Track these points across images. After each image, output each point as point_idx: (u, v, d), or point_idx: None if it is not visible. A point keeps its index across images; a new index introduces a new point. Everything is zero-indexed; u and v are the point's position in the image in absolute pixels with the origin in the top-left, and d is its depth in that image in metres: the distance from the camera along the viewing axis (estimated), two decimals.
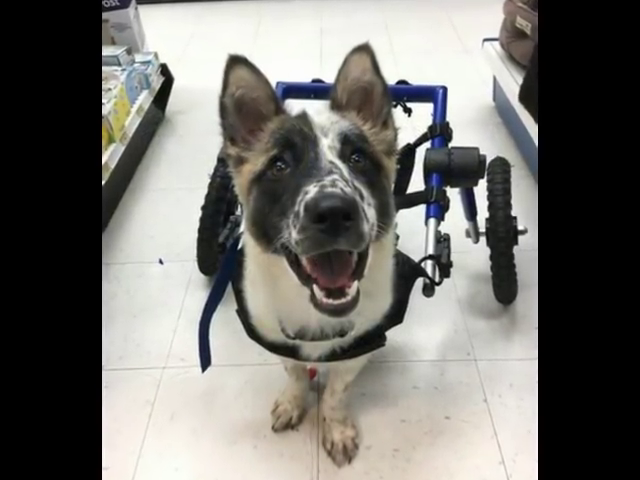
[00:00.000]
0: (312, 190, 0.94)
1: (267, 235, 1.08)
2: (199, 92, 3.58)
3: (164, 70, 3.58)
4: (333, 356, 1.36)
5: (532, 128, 2.68)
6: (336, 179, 0.96)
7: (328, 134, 1.09)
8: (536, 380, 1.91)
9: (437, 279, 1.62)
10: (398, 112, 1.93)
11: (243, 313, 1.41)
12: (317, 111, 1.19)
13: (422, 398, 1.94)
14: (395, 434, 1.83)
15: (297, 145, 1.08)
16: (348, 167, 1.05)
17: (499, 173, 2.06)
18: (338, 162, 1.03)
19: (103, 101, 2.72)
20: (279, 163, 1.09)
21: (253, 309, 1.37)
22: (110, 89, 2.86)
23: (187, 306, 2.33)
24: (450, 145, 1.93)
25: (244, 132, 1.19)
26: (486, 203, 2.06)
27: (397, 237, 1.55)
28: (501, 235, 1.99)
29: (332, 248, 0.95)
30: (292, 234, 0.96)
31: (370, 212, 1.01)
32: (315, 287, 1.03)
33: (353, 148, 1.10)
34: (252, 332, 1.43)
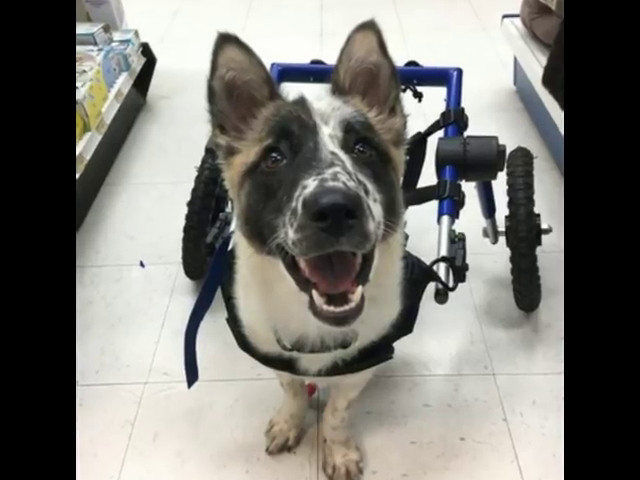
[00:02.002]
0: (311, 184, 0.94)
1: (261, 235, 1.08)
2: (184, 75, 3.60)
3: (145, 50, 3.58)
4: (335, 370, 1.36)
5: (557, 115, 2.68)
6: (338, 172, 0.96)
7: (329, 122, 1.09)
8: (562, 397, 1.94)
9: (451, 284, 1.62)
10: (407, 97, 1.93)
11: (234, 322, 1.41)
12: (317, 96, 1.19)
13: (434, 417, 1.94)
14: (404, 457, 1.83)
15: (294, 134, 1.08)
16: (351, 158, 1.05)
17: (520, 165, 2.07)
18: (340, 153, 1.03)
19: (77, 85, 2.72)
20: (274, 154, 1.09)
21: (245, 317, 1.37)
22: (85, 71, 2.86)
23: (171, 314, 2.33)
24: (465, 134, 1.93)
25: (235, 119, 1.19)
26: (506, 199, 2.07)
27: (406, 237, 1.55)
28: (522, 235, 1.99)
29: (333, 249, 0.95)
30: (289, 233, 0.96)
31: (376, 209, 1.01)
32: (314, 293, 1.03)
33: (357, 137, 1.10)
34: (244, 343, 1.43)
